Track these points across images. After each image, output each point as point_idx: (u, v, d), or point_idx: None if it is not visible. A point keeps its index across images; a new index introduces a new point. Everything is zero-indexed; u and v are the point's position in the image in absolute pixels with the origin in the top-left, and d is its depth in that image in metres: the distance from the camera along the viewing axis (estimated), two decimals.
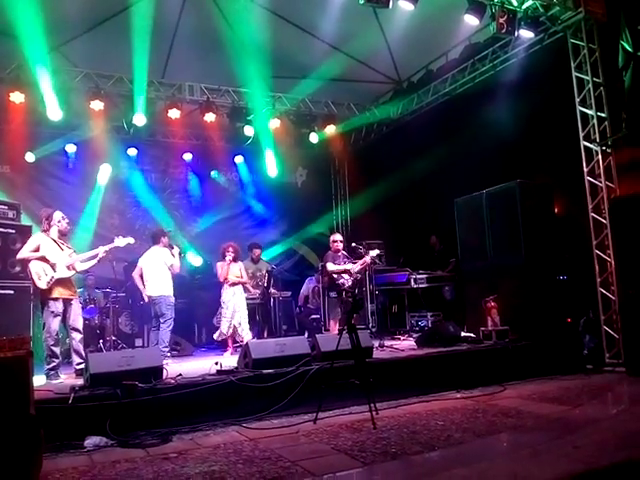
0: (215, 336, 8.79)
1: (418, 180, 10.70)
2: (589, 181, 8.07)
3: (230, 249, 8.76)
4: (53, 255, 6.46)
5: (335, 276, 8.38)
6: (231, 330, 8.53)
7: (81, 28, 8.82)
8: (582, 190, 8.12)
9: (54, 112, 9.14)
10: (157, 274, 8.16)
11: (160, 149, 11.91)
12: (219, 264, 8.81)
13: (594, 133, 8.05)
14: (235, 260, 8.82)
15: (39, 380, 5.83)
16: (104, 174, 11.16)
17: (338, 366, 5.64)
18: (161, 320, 8.02)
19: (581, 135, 8.16)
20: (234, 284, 8.70)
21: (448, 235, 9.98)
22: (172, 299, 8.17)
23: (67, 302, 6.53)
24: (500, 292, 8.30)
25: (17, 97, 8.73)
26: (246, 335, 8.46)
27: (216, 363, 6.12)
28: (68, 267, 6.56)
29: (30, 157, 10.37)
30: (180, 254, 8.47)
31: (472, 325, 8.60)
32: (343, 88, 11.02)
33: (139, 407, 5.14)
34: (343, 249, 8.83)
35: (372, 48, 9.70)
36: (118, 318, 9.61)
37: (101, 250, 6.95)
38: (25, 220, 7.68)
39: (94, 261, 6.94)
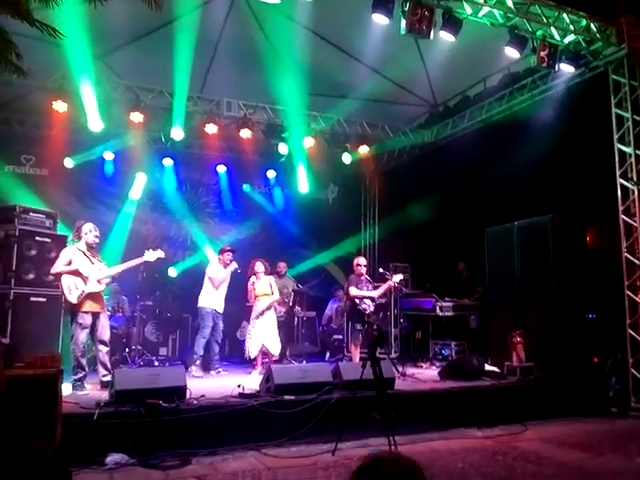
0: (247, 355, 8.67)
1: (449, 205, 10.67)
2: (624, 220, 7.96)
3: (257, 264, 8.79)
4: (84, 269, 6.59)
5: (357, 301, 8.37)
6: (259, 350, 8.45)
7: (125, 39, 8.92)
8: (616, 228, 8.01)
9: (95, 123, 9.34)
10: (203, 286, 8.70)
11: (195, 160, 12.05)
12: (250, 282, 8.80)
13: (631, 171, 7.95)
14: (266, 274, 8.84)
15: (66, 389, 5.93)
16: (139, 182, 11.33)
17: (359, 396, 5.63)
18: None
19: (618, 173, 8.07)
20: (266, 308, 8.67)
21: (476, 263, 9.92)
22: (208, 310, 8.64)
23: (96, 315, 6.66)
24: (527, 326, 8.22)
25: (60, 106, 8.94)
26: (275, 351, 8.50)
27: (239, 385, 6.16)
28: (98, 281, 6.68)
29: (69, 162, 10.57)
30: (236, 270, 8.89)
31: (496, 357, 8.53)
32: (378, 109, 11.03)
33: (161, 426, 5.21)
34: (367, 273, 8.81)
35: (410, 72, 9.68)
36: (144, 327, 9.75)
37: (131, 264, 7.09)
38: (61, 226, 7.88)
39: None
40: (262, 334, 8.45)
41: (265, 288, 8.74)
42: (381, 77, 9.87)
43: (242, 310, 10.88)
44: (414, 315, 10.51)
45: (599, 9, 8.04)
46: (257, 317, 8.58)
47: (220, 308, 8.81)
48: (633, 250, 7.82)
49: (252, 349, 8.43)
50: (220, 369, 8.68)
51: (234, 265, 8.87)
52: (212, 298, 8.73)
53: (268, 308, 8.61)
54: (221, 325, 8.82)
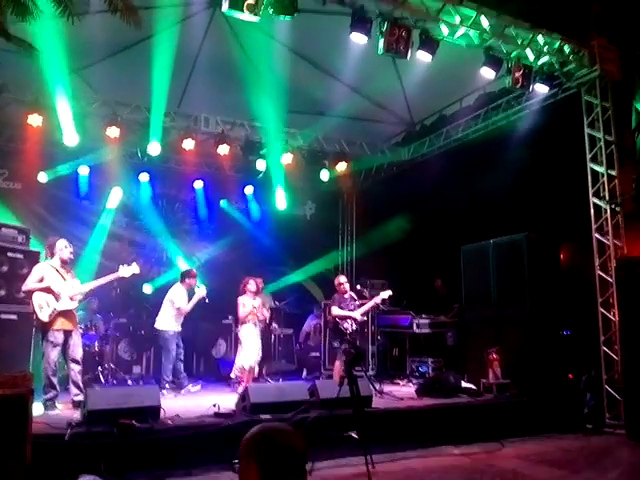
0: (233, 374, 8.54)
1: (426, 223, 10.76)
2: (597, 238, 8.08)
3: (249, 283, 8.71)
4: (56, 286, 6.47)
5: (339, 320, 8.34)
6: (251, 367, 8.36)
7: (103, 53, 8.85)
8: (589, 246, 8.12)
9: (70, 137, 9.21)
10: (163, 308, 8.45)
11: (172, 175, 11.96)
12: (241, 299, 8.67)
13: (603, 190, 8.08)
14: (257, 293, 8.78)
15: (37, 408, 5.78)
16: (115, 198, 11.20)
17: (336, 414, 5.60)
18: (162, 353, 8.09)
19: (591, 192, 8.20)
20: (259, 321, 8.65)
21: (453, 280, 9.98)
22: (171, 333, 8.35)
23: (68, 333, 6.54)
24: (503, 343, 8.28)
25: (35, 120, 8.83)
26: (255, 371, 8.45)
27: (214, 405, 6.08)
28: (71, 298, 6.56)
29: (42, 177, 10.40)
30: (204, 298, 8.64)
31: (473, 374, 8.56)
32: (356, 127, 11.11)
33: (135, 447, 5.12)
34: (350, 289, 8.78)
35: (387, 90, 9.78)
36: (117, 345, 9.59)
37: (104, 280, 7.00)
38: (33, 242, 7.74)
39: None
40: (255, 352, 8.40)
41: (256, 308, 8.68)
42: (359, 95, 9.95)
43: (218, 328, 10.82)
44: (391, 332, 10.51)
45: (572, 32, 8.22)
46: (250, 335, 8.49)
47: (180, 327, 8.58)
48: (606, 268, 7.92)
49: (245, 365, 8.29)
50: (190, 386, 8.48)
51: (202, 292, 8.63)
52: (173, 320, 8.47)
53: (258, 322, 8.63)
54: (181, 344, 8.60)
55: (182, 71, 9.19)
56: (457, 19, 7.37)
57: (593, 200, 8.17)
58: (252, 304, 8.59)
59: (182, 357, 8.61)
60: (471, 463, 5.82)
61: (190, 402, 7.23)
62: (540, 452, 6.31)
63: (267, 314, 9.07)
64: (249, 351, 8.37)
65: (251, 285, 8.68)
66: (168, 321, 8.42)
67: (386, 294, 8.70)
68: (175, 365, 8.43)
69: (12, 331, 6.72)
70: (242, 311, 8.56)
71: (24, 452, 3.95)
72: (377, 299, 8.59)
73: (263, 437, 1.96)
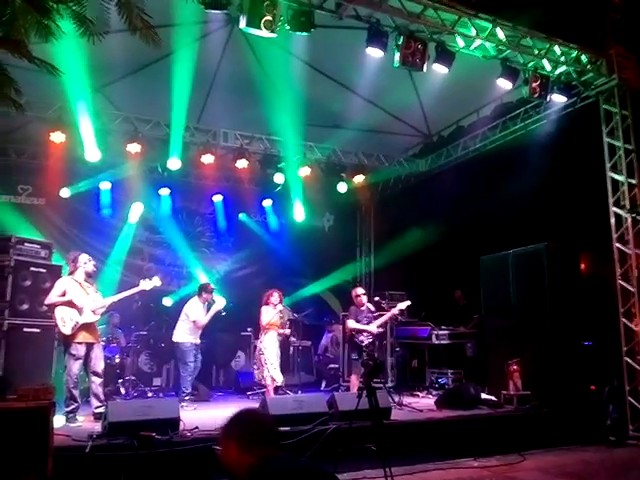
0: (257, 378, 8.74)
1: (444, 234, 10.71)
2: (618, 248, 7.99)
3: (273, 295, 8.78)
4: (79, 299, 6.57)
5: (355, 332, 8.35)
6: (280, 377, 8.45)
7: (124, 71, 9.03)
8: (610, 256, 8.04)
9: (92, 153, 9.39)
10: (179, 321, 8.50)
11: (191, 190, 12.12)
12: (264, 308, 8.76)
13: (624, 199, 8.01)
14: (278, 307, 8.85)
15: (58, 421, 5.88)
16: (135, 212, 11.36)
17: (355, 427, 5.58)
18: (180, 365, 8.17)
19: (611, 201, 8.13)
20: (280, 334, 8.79)
21: (472, 291, 9.93)
22: (187, 345, 8.37)
23: (89, 346, 6.62)
24: (523, 354, 8.19)
25: (57, 137, 9.01)
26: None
27: None
28: (93, 312, 6.66)
29: (65, 192, 10.59)
30: (220, 311, 8.72)
31: (493, 385, 8.49)
32: (373, 139, 11.17)
33: (155, 459, 5.15)
34: (368, 301, 8.79)
35: (404, 102, 9.82)
36: (138, 357, 9.68)
37: (126, 294, 7.11)
38: (56, 256, 7.89)
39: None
40: (278, 357, 8.54)
41: (278, 319, 8.82)
42: (376, 108, 10.01)
43: (237, 340, 10.87)
44: (410, 343, 10.46)
45: (589, 41, 8.20)
46: (271, 345, 8.60)
47: (198, 340, 8.60)
48: (627, 277, 7.83)
49: (276, 376, 8.39)
50: (184, 404, 8.04)
51: (219, 305, 8.72)
52: (190, 332, 8.49)
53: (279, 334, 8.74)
54: (199, 355, 8.63)
55: (201, 87, 9.33)
56: (473, 31, 7.41)
57: (613, 209, 8.11)
58: (275, 314, 8.71)
59: (197, 371, 8.63)
60: (490, 475, 5.78)
61: (209, 414, 7.26)
62: (561, 464, 6.24)
63: (288, 331, 9.11)
64: (275, 361, 8.47)
65: (274, 297, 8.76)
66: (184, 334, 8.45)
67: (404, 305, 8.69)
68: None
69: (35, 344, 6.85)
70: (264, 318, 8.65)
71: (45, 464, 4.02)
72: (395, 310, 8.58)
73: (235, 420, 2.37)
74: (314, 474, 2.33)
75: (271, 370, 8.41)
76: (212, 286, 9.04)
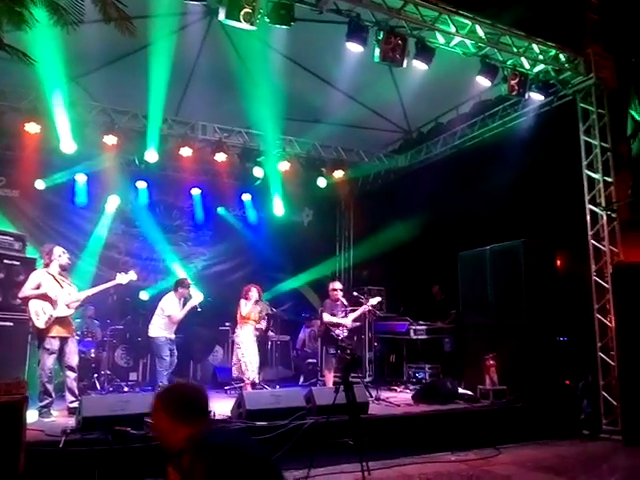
0: (235, 373, 8.77)
1: (423, 229, 10.76)
2: (593, 244, 8.08)
3: (252, 291, 8.77)
4: (53, 293, 6.47)
5: (330, 326, 8.38)
6: (256, 373, 8.45)
7: (101, 62, 8.90)
8: (586, 252, 8.14)
9: (68, 145, 9.24)
10: (154, 316, 8.41)
11: (169, 183, 11.98)
12: (242, 301, 8.77)
13: (599, 197, 8.10)
14: (257, 303, 8.83)
15: (32, 416, 5.78)
16: (112, 205, 11.22)
17: (332, 421, 5.58)
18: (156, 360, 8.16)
19: (587, 198, 8.22)
20: (257, 329, 8.76)
21: (450, 286, 9.99)
22: (162, 339, 8.27)
23: (64, 340, 6.53)
24: (499, 349, 8.26)
25: (32, 127, 8.87)
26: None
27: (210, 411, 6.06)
28: (67, 305, 6.56)
29: (40, 184, 10.42)
30: (196, 307, 8.60)
31: (470, 380, 8.56)
32: (353, 135, 11.16)
33: (130, 454, 5.09)
34: (343, 296, 8.82)
35: (384, 98, 9.82)
36: (114, 351, 9.57)
37: (102, 288, 7.02)
38: (30, 249, 7.76)
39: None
40: (254, 356, 8.51)
41: (256, 315, 8.80)
42: (356, 103, 9.99)
43: (216, 334, 10.82)
44: (388, 338, 10.51)
45: (568, 40, 8.27)
46: (248, 339, 8.61)
47: (172, 334, 8.48)
48: (602, 274, 7.94)
49: (250, 371, 8.39)
50: None
51: (195, 301, 8.60)
52: (165, 327, 8.39)
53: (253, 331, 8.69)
54: (175, 350, 8.50)
55: (179, 79, 9.23)
56: (452, 28, 7.43)
57: (589, 207, 8.19)
58: (252, 309, 8.71)
59: (173, 365, 8.53)
60: (467, 469, 5.82)
61: None
62: (536, 458, 6.31)
63: (264, 325, 9.07)
64: (250, 357, 8.45)
65: (252, 293, 8.75)
66: (159, 328, 8.36)
67: (375, 301, 8.79)
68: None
69: (8, 338, 6.73)
70: (242, 310, 8.69)
71: (17, 459, 3.96)
72: (366, 307, 8.67)
73: (167, 392, 2.49)
74: (250, 449, 2.36)
75: (247, 365, 8.41)
76: (189, 281, 8.96)
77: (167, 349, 8.27)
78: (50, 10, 4.13)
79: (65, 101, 8.89)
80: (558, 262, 8.97)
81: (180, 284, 8.71)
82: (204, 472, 2.10)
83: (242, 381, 8.52)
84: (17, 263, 7.07)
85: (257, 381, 8.51)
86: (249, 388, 8.28)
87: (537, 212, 8.86)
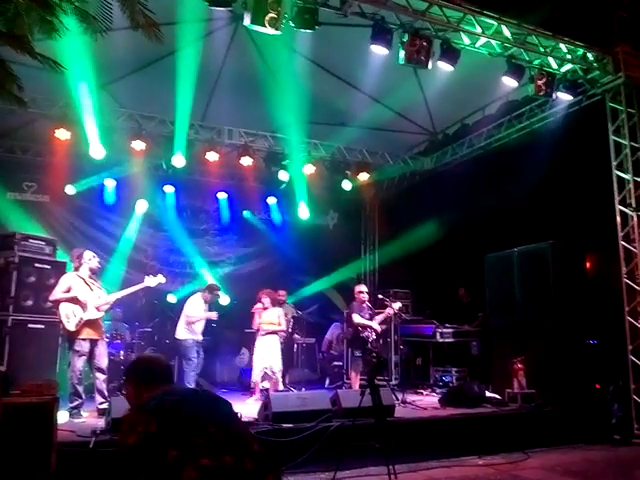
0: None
1: (449, 232, 10.71)
2: (623, 246, 7.95)
3: (263, 296, 8.83)
4: (83, 296, 6.58)
5: (360, 328, 8.37)
6: (260, 377, 8.47)
7: (128, 69, 9.03)
8: (616, 254, 8.01)
9: (97, 150, 9.41)
10: (180, 318, 8.60)
11: (196, 187, 12.11)
12: (255, 310, 8.94)
13: (630, 198, 7.97)
14: (274, 305, 8.85)
15: (62, 416, 5.87)
16: (140, 209, 11.38)
17: (358, 424, 5.58)
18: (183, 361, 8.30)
19: (617, 199, 8.09)
20: (268, 332, 8.72)
21: (476, 289, 9.90)
22: (190, 342, 8.43)
23: (94, 342, 6.64)
24: (528, 353, 8.18)
25: (62, 134, 9.04)
26: (277, 381, 8.47)
27: (236, 413, 6.10)
28: (97, 308, 6.67)
29: (70, 189, 10.61)
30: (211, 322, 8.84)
31: (497, 384, 8.47)
32: (378, 137, 11.14)
33: None
34: (368, 300, 8.82)
35: (409, 100, 9.77)
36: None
37: (131, 290, 7.13)
38: (60, 253, 7.90)
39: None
40: (263, 359, 8.47)
41: (272, 318, 8.80)
42: (381, 105, 9.97)
43: (242, 337, 10.89)
44: (414, 341, 10.46)
45: (595, 39, 8.15)
46: (259, 346, 8.66)
47: (200, 337, 8.63)
48: (633, 276, 7.80)
49: (254, 375, 8.47)
50: None
51: (214, 316, 8.79)
52: (191, 329, 8.55)
53: (272, 333, 8.66)
54: (202, 352, 8.67)
55: (206, 85, 9.32)
56: (478, 29, 7.38)
57: (619, 208, 8.06)
58: (265, 315, 8.78)
59: (200, 367, 8.66)
60: (495, 473, 5.76)
61: None
62: (566, 463, 6.21)
63: (282, 323, 8.94)
64: (257, 362, 8.56)
65: (265, 300, 8.83)
66: (185, 331, 8.51)
67: (397, 305, 8.82)
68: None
69: (39, 340, 6.85)
70: (256, 318, 8.91)
71: (49, 459, 4.04)
72: (389, 310, 8.67)
73: (130, 365, 2.86)
74: (206, 398, 2.53)
75: (254, 369, 8.52)
76: (218, 290, 9.08)
77: (194, 351, 8.38)
78: (80, 18, 4.21)
79: (94, 108, 9.05)
80: (588, 264, 8.83)
81: (209, 288, 8.83)
82: (122, 435, 2.28)
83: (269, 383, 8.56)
84: (48, 267, 7.20)
85: (261, 387, 8.49)
86: (257, 393, 8.38)
87: (566, 214, 8.75)
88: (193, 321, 8.50)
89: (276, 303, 8.95)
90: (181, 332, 8.51)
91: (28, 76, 6.51)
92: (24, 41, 4.14)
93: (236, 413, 2.73)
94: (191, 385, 8.29)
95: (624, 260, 7.93)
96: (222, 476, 2.08)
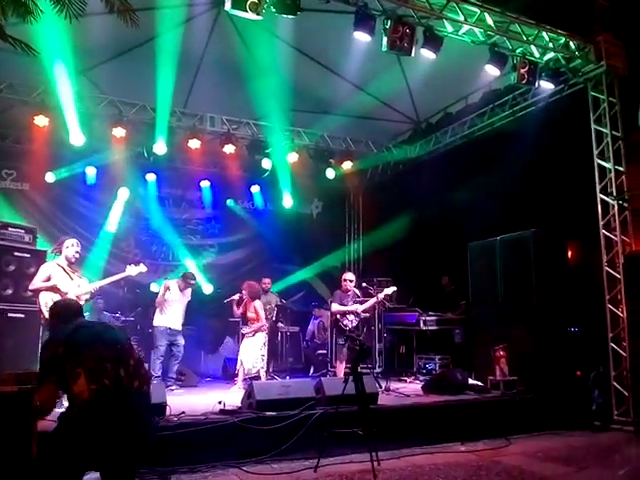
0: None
1: (433, 220, 10.74)
2: (604, 234, 8.00)
3: (243, 288, 8.77)
4: (63, 285, 6.47)
5: (339, 316, 8.36)
6: (239, 365, 8.42)
7: (108, 54, 8.92)
8: (597, 242, 8.07)
9: (77, 137, 9.29)
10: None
11: (178, 175, 12.01)
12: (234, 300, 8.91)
13: (611, 186, 8.02)
14: (253, 299, 8.72)
15: None
16: (122, 198, 11.26)
17: (342, 411, 5.58)
18: None
19: (598, 188, 8.13)
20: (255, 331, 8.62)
21: (460, 277, 9.95)
22: (161, 329, 8.56)
23: None
24: (510, 340, 8.22)
25: (41, 120, 8.92)
26: (246, 365, 8.38)
27: (219, 402, 6.10)
28: (77, 297, 6.57)
29: (50, 177, 10.50)
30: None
31: (480, 371, 8.53)
32: (362, 125, 11.12)
33: None
34: (356, 286, 8.79)
35: (393, 88, 9.76)
36: (139, 355, 9.61)
37: (112, 279, 7.05)
38: (40, 241, 7.80)
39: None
40: (243, 352, 8.44)
41: (250, 312, 8.68)
42: (364, 94, 9.95)
43: (226, 325, 10.87)
44: (398, 329, 10.49)
45: (578, 27, 8.16)
46: (243, 336, 8.63)
47: (175, 325, 8.63)
48: (614, 264, 7.87)
49: (238, 363, 8.44)
50: (173, 387, 8.36)
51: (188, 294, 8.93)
52: (164, 316, 8.59)
53: (254, 332, 8.55)
54: (180, 341, 8.64)
55: (187, 71, 9.24)
56: (461, 16, 7.34)
57: (600, 196, 8.10)
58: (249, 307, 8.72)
59: (179, 356, 8.63)
60: (477, 460, 5.81)
61: (197, 399, 7.25)
62: (547, 449, 6.28)
63: (261, 317, 8.71)
64: (243, 351, 8.49)
65: (245, 291, 8.74)
66: (158, 316, 8.63)
67: (390, 290, 8.76)
68: (167, 362, 8.56)
69: (19, 329, 6.79)
70: (235, 312, 8.94)
71: (30, 448, 3.99)
72: (380, 295, 8.61)
73: (52, 307, 3.94)
74: (102, 327, 3.85)
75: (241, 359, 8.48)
76: (192, 279, 9.09)
77: (163, 339, 8.43)
78: (53, 1, 4.10)
79: (73, 94, 8.92)
80: (569, 252, 8.90)
81: (183, 276, 8.96)
82: (41, 354, 3.48)
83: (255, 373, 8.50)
84: (28, 255, 7.12)
85: (244, 375, 8.34)
86: (238, 381, 8.29)
87: (548, 202, 8.79)
88: (157, 301, 8.63)
89: (255, 297, 8.75)
90: (155, 318, 8.65)
91: (6, 61, 6.43)
92: None
93: (126, 339, 3.76)
94: (156, 373, 8.29)
95: (605, 248, 7.98)
96: (102, 375, 3.23)
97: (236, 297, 8.80)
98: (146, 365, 8.93)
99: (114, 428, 3.15)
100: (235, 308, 8.81)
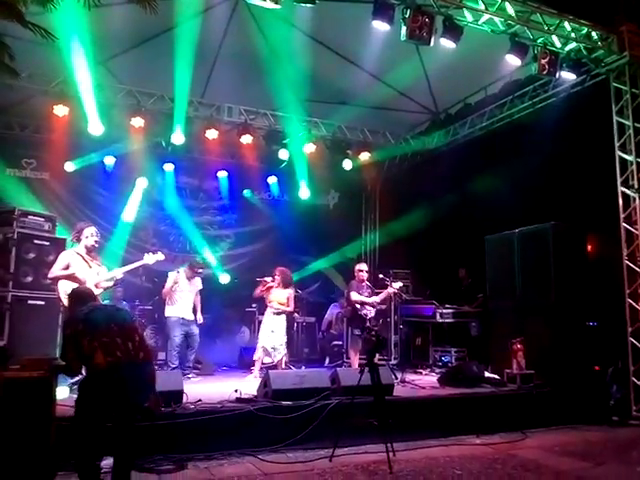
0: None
1: (450, 212, 10.65)
2: (625, 227, 7.90)
3: (277, 273, 8.74)
4: (82, 273, 6.52)
5: (358, 306, 8.39)
6: (260, 352, 8.42)
7: (127, 44, 8.93)
8: (617, 236, 7.97)
9: (95, 127, 9.36)
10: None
11: (195, 165, 12.05)
12: (263, 283, 8.84)
13: (632, 179, 7.91)
14: (285, 287, 8.71)
15: (62, 392, 5.89)
16: (140, 187, 11.32)
17: (357, 402, 5.59)
18: None
19: (619, 180, 8.02)
20: (277, 312, 8.63)
21: (477, 270, 9.88)
22: (173, 319, 8.55)
23: None
24: (527, 334, 8.16)
25: (61, 110, 8.98)
26: (278, 358, 8.41)
27: (236, 390, 6.14)
28: (96, 285, 6.63)
29: (70, 166, 10.59)
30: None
31: (497, 365, 8.48)
32: (379, 116, 11.04)
33: (157, 430, 5.17)
34: (368, 279, 8.82)
35: (411, 79, 9.64)
36: (143, 331, 9.69)
37: (130, 267, 7.10)
38: (60, 229, 7.88)
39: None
40: (268, 337, 8.43)
41: (281, 298, 8.69)
42: (382, 84, 9.87)
43: (242, 316, 10.93)
44: (414, 321, 10.46)
45: (600, 17, 8.03)
46: (265, 322, 8.63)
47: (188, 315, 8.62)
48: (634, 258, 7.77)
49: (257, 350, 8.45)
50: (190, 375, 8.39)
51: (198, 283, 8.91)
52: (176, 307, 8.60)
53: (281, 313, 8.61)
54: (194, 330, 8.64)
55: (205, 61, 9.24)
56: (481, 5, 7.27)
57: (621, 189, 8.00)
58: (275, 294, 8.70)
59: (195, 346, 8.65)
60: (492, 453, 5.78)
61: (213, 387, 7.30)
62: (563, 443, 6.24)
63: (291, 305, 8.83)
64: (262, 337, 8.51)
65: (277, 278, 8.71)
66: (170, 307, 8.62)
67: (397, 285, 8.83)
68: (183, 352, 8.55)
69: (39, 316, 6.86)
70: (257, 291, 8.87)
71: (49, 433, 4.05)
72: (390, 289, 8.70)
73: (71, 293, 4.89)
74: (113, 309, 4.71)
75: (257, 345, 8.52)
76: (199, 268, 9.08)
77: (177, 329, 8.43)
78: None
79: (93, 84, 8.96)
80: (589, 246, 8.80)
81: (190, 265, 8.92)
82: (63, 329, 4.53)
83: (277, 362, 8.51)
84: (47, 243, 7.18)
85: (263, 362, 8.39)
86: (256, 369, 8.31)
87: (568, 194, 8.68)
88: (164, 292, 8.68)
89: (288, 285, 8.79)
90: (167, 309, 8.64)
91: (26, 51, 6.46)
92: (13, 8, 4.05)
93: (132, 319, 4.75)
94: (173, 364, 8.33)
95: (625, 242, 7.88)
96: (114, 348, 4.01)
97: (269, 280, 8.70)
98: (163, 354, 9.26)
99: (124, 389, 3.99)
100: (260, 288, 8.72)
